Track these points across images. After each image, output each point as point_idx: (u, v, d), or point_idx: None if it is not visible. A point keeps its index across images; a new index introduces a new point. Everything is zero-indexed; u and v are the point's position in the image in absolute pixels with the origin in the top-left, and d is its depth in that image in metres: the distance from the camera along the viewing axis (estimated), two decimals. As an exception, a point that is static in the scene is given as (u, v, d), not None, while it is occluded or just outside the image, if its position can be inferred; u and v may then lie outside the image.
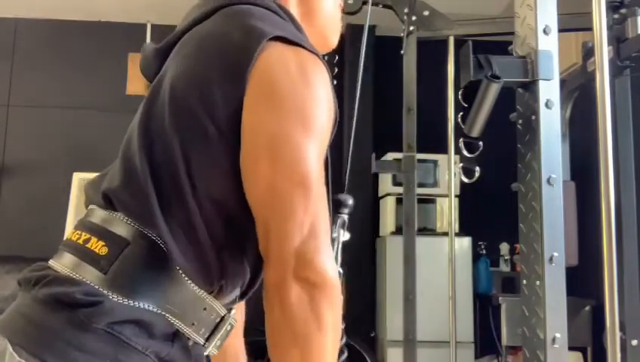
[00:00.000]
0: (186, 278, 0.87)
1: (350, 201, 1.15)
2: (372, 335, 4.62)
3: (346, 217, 1.16)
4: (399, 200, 4.05)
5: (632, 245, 2.11)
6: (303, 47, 0.90)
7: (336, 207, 1.14)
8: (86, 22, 5.02)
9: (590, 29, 1.55)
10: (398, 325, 3.08)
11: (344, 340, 1.07)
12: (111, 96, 4.98)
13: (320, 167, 0.86)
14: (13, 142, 4.94)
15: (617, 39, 2.10)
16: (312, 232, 0.83)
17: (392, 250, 4.21)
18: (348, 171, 1.17)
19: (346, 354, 1.08)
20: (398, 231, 3.91)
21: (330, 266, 0.83)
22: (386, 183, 4.50)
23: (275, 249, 0.84)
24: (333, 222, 1.14)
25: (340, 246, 1.15)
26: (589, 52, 2.32)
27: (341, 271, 1.07)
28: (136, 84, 5.00)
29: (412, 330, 2.87)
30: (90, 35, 5.04)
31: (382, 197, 4.60)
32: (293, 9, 1.04)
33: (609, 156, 1.50)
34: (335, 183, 1.00)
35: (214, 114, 0.87)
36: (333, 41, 1.12)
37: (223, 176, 0.87)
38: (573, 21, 2.49)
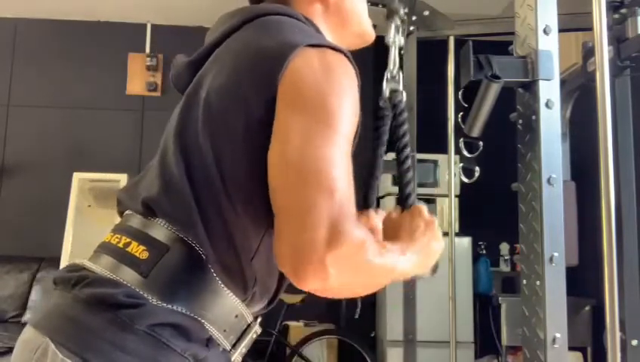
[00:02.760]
0: (222, 285, 0.88)
1: (401, 11, 1.21)
2: (372, 335, 4.62)
3: (399, 22, 1.22)
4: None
5: (632, 245, 2.10)
6: (329, 47, 0.91)
7: (389, 15, 1.21)
8: (86, 22, 5.02)
9: (590, 29, 1.55)
10: (398, 325, 3.08)
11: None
12: (111, 96, 4.98)
13: (346, 164, 0.85)
14: (13, 142, 4.94)
15: (617, 39, 2.10)
16: (335, 230, 0.79)
17: (392, 249, 4.20)
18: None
19: None
20: (398, 231, 3.91)
21: (358, 234, 0.80)
22: (386, 183, 4.49)
23: (304, 253, 0.79)
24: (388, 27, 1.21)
25: (397, 49, 1.20)
26: (589, 52, 2.32)
27: (403, 91, 1.16)
28: (136, 84, 5.00)
29: (412, 330, 2.87)
30: (90, 35, 5.04)
31: (382, 197, 4.59)
32: (322, 17, 1.07)
33: (609, 156, 1.50)
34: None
35: (247, 122, 0.88)
36: (370, 32, 1.16)
37: (255, 183, 0.88)
38: (573, 21, 2.49)
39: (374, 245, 0.83)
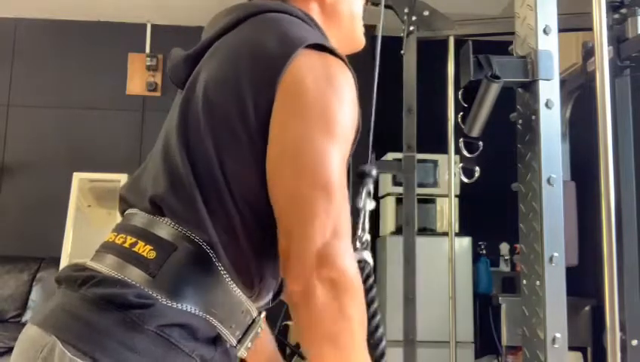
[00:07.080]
0: (230, 282, 0.89)
1: (374, 172, 1.12)
2: (372, 335, 4.62)
3: (371, 186, 1.12)
4: (399, 200, 4.05)
5: (632, 245, 2.10)
6: (331, 53, 0.92)
7: (360, 176, 1.12)
8: (86, 22, 5.02)
9: (590, 29, 1.55)
10: (398, 325, 3.08)
11: (381, 330, 1.07)
12: (111, 96, 4.98)
13: (342, 171, 0.88)
14: (13, 142, 4.94)
15: (617, 39, 2.10)
16: (335, 234, 0.84)
17: (392, 250, 4.21)
18: (371, 145, 1.17)
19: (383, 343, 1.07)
20: (398, 231, 3.91)
21: (351, 265, 0.85)
22: (386, 183, 4.50)
23: (297, 252, 0.84)
24: (359, 191, 1.11)
25: (367, 214, 1.12)
26: (589, 52, 2.32)
27: (370, 261, 1.09)
28: (136, 84, 5.00)
29: (412, 330, 2.87)
30: (90, 35, 5.04)
31: (382, 197, 4.60)
32: (317, 16, 1.06)
33: (609, 156, 1.50)
34: (360, 156, 1.01)
35: (246, 120, 0.88)
36: (361, 39, 1.15)
37: (255, 180, 0.89)
38: (573, 21, 2.49)
39: (362, 299, 0.87)
